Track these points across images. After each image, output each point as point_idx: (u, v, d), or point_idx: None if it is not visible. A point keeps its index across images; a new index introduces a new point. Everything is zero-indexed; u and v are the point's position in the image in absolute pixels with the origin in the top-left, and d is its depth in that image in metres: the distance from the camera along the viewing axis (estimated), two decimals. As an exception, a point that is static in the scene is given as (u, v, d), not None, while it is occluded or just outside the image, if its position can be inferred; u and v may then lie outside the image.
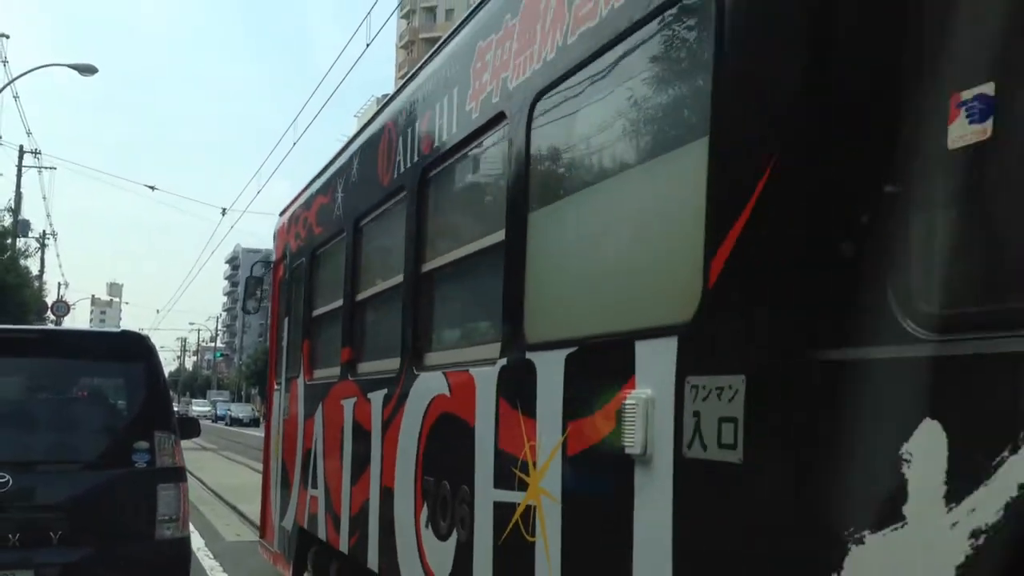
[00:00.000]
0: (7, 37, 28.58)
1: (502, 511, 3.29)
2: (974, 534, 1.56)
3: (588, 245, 2.98)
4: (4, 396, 6.03)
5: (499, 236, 3.44)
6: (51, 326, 46.59)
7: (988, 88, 1.61)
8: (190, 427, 6.78)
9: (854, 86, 1.88)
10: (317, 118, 28.81)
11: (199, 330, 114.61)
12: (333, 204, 6.13)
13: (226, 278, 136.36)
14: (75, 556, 5.37)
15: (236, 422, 61.57)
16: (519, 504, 3.15)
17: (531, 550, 3.05)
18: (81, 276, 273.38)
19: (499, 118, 3.50)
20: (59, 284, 59.57)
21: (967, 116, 1.63)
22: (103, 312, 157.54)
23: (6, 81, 28.09)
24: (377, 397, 4.78)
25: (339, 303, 5.76)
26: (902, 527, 1.70)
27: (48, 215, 62.24)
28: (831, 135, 1.91)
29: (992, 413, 1.54)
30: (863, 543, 1.77)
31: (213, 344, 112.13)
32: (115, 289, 70.49)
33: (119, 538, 5.51)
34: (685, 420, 2.29)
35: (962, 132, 1.64)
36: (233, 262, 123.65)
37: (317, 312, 6.47)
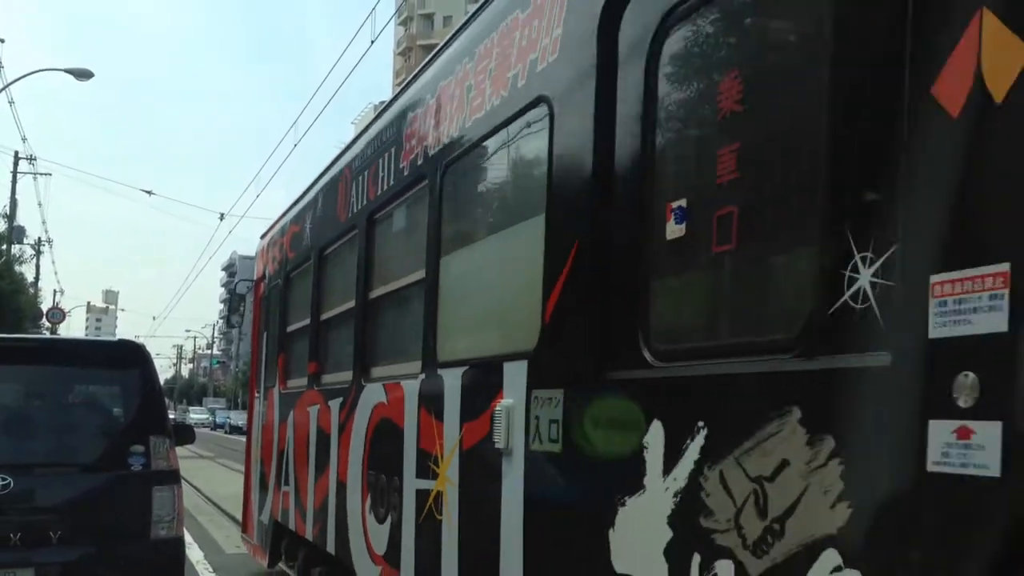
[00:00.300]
0: (2, 41, 28.62)
1: (421, 497, 4.14)
2: (676, 494, 2.41)
3: (475, 288, 3.84)
4: (5, 402, 6.28)
5: (421, 274, 4.30)
6: (50, 335, 47.06)
7: (683, 202, 2.47)
8: (185, 434, 6.95)
9: (620, 196, 2.75)
10: (316, 124, 29.42)
11: (195, 337, 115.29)
12: (303, 233, 6.99)
13: (222, 285, 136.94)
14: (74, 555, 5.57)
15: (236, 430, 62.02)
16: (431, 490, 4.00)
17: (439, 527, 3.90)
18: (77, 283, 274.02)
19: (421, 178, 4.37)
20: (55, 291, 59.27)
21: (675, 219, 2.49)
22: (99, 319, 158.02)
23: (1, 86, 27.77)
24: (335, 404, 5.63)
25: (307, 321, 6.61)
26: (643, 493, 2.55)
27: (44, 222, 62.40)
28: (609, 230, 2.77)
29: (687, 413, 2.38)
30: (624, 504, 2.62)
31: (209, 351, 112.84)
32: (111, 296, 71.17)
33: (116, 538, 5.71)
34: (530, 422, 3.14)
35: (672, 229, 2.50)
36: (229, 269, 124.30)
37: (290, 328, 7.34)
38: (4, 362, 6.19)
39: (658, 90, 2.63)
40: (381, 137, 5.09)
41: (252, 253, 9.05)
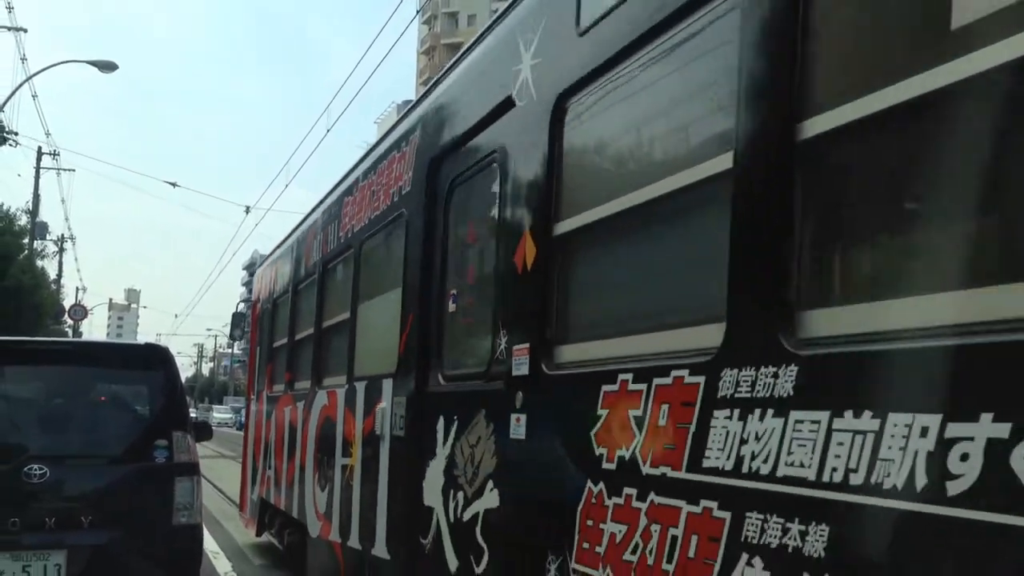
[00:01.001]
0: (24, 31, 28.67)
1: (343, 470, 6.15)
2: (446, 456, 4.39)
3: (372, 327, 5.87)
4: (42, 399, 6.84)
5: (347, 315, 6.33)
6: (72, 333, 48.83)
7: (454, 291, 4.48)
8: (204, 431, 7.50)
9: (433, 284, 4.75)
10: (340, 124, 31.25)
11: (216, 336, 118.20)
12: (285, 269, 9.07)
13: (243, 284, 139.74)
14: (103, 538, 6.10)
15: (261, 430, 63.71)
16: (348, 465, 6.01)
17: (351, 489, 5.91)
18: (99, 281, 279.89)
19: (349, 247, 6.40)
20: (77, 289, 60.70)
21: (451, 301, 4.49)
22: (120, 317, 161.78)
23: (24, 78, 28.79)
24: (300, 405, 7.68)
25: (286, 340, 8.68)
26: (435, 457, 4.53)
27: (66, 218, 63.04)
28: (428, 304, 4.77)
29: (452, 412, 4.35)
30: (428, 464, 4.61)
31: (230, 350, 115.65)
32: (133, 295, 73.80)
33: (141, 523, 6.25)
34: (394, 417, 5.15)
35: (450, 306, 4.50)
36: (251, 268, 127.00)
37: (275, 344, 9.41)
38: (40, 363, 6.87)
39: (449, 220, 4.63)
40: (331, 211, 7.15)
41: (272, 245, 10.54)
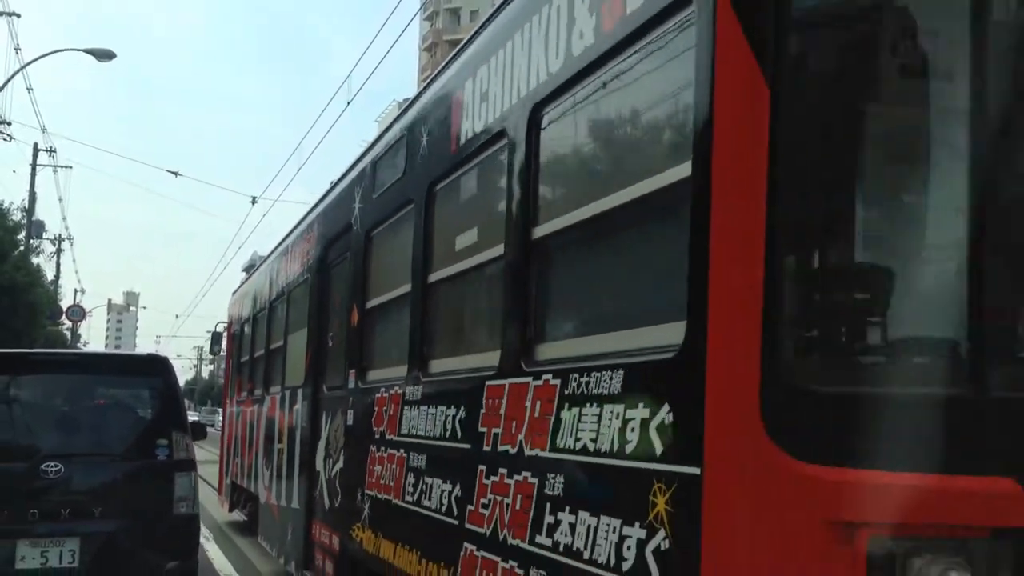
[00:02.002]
0: (18, 16, 28.79)
1: (277, 453, 9.03)
2: (326, 436, 7.26)
3: (296, 349, 8.75)
4: (56, 404, 7.86)
5: (282, 342, 9.23)
6: (91, 350, 51.03)
7: (331, 332, 7.37)
8: (198, 432, 8.39)
9: (328, 321, 7.65)
10: (340, 124, 33.36)
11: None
12: (247, 302, 11.99)
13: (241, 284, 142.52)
14: (111, 527, 7.07)
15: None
16: (280, 448, 8.88)
17: (282, 466, 8.78)
18: (98, 283, 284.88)
19: (283, 293, 9.31)
20: (75, 291, 62.51)
21: (330, 340, 7.38)
22: (119, 319, 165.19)
23: (18, 67, 29.52)
24: (256, 407, 10.58)
25: (247, 357, 11.59)
26: (322, 435, 7.40)
27: (64, 218, 63.72)
28: (318, 343, 7.66)
29: (331, 407, 7.21)
30: (319, 440, 7.49)
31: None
32: (132, 298, 76.68)
33: (145, 513, 7.20)
34: (303, 414, 8.03)
35: (330, 345, 7.39)
36: (249, 270, 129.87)
37: (242, 359, 12.32)
38: (53, 372, 8.01)
39: (330, 288, 7.50)
40: (276, 264, 10.06)
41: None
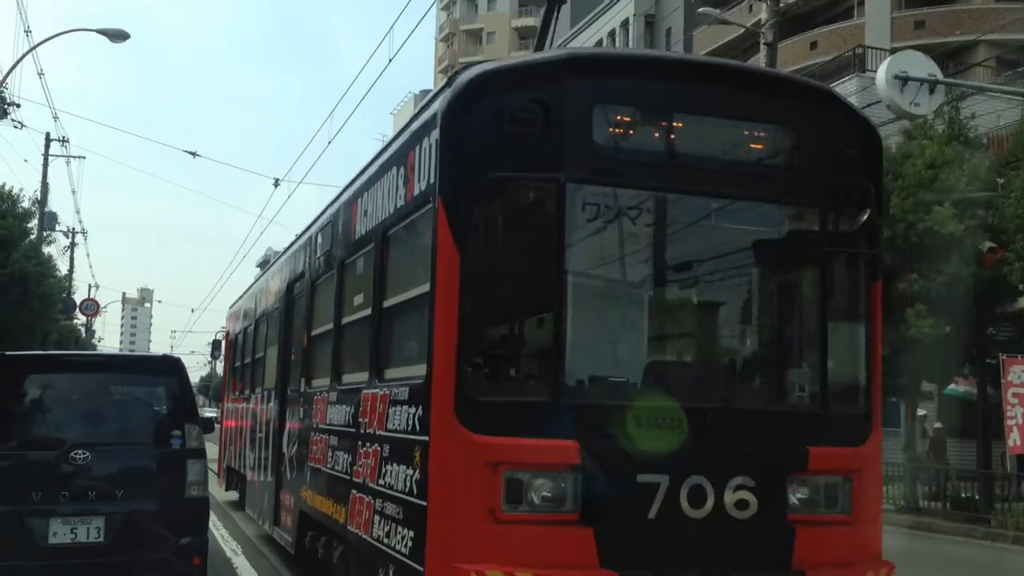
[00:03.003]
0: None
1: (258, 440, 12.06)
2: (266, 422, 10.27)
3: (269, 362, 11.78)
4: (83, 399, 8.84)
5: (262, 352, 12.27)
6: (112, 352, 51.89)
7: (293, 349, 10.41)
8: (207, 425, 9.46)
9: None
10: (357, 117, 35.31)
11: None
12: (240, 316, 15.07)
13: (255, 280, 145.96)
14: (132, 507, 8.07)
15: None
16: (260, 436, 11.91)
17: (260, 450, 11.81)
18: (112, 278, 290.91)
19: (264, 314, 12.36)
20: (89, 286, 63.37)
21: (292, 354, 10.40)
22: (134, 314, 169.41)
23: (27, 49, 30.16)
24: (245, 404, 13.64)
25: (239, 362, 14.65)
26: (265, 428, 10.40)
27: (77, 211, 64.36)
28: (285, 357, 10.69)
29: (294, 409, 10.20)
30: (264, 430, 10.51)
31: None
32: (146, 294, 79.70)
33: (161, 495, 8.21)
34: (275, 409, 11.05)
35: (293, 358, 10.41)
36: (264, 265, 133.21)
37: (236, 364, 15.39)
38: (79, 371, 9.22)
39: (292, 317, 10.49)
40: (260, 289, 13.12)
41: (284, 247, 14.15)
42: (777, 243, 6.21)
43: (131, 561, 8.11)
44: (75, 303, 51.49)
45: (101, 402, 8.92)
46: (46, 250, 33.58)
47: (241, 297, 16.34)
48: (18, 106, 32.91)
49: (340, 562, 7.74)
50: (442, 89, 5.88)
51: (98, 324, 76.20)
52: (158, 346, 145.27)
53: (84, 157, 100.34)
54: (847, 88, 27.26)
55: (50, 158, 43.42)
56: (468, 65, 6.01)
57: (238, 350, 15.82)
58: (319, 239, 9.26)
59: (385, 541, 6.20)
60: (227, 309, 18.05)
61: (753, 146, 6.00)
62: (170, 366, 9.16)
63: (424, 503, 5.54)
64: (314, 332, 9.23)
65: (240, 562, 10.99)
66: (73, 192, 76.56)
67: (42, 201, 40.70)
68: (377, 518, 6.40)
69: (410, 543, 5.76)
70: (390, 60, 15.11)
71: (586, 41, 57.55)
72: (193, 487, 8.39)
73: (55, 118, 79.95)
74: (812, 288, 6.21)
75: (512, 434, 5.40)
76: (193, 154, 30.33)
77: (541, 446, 5.40)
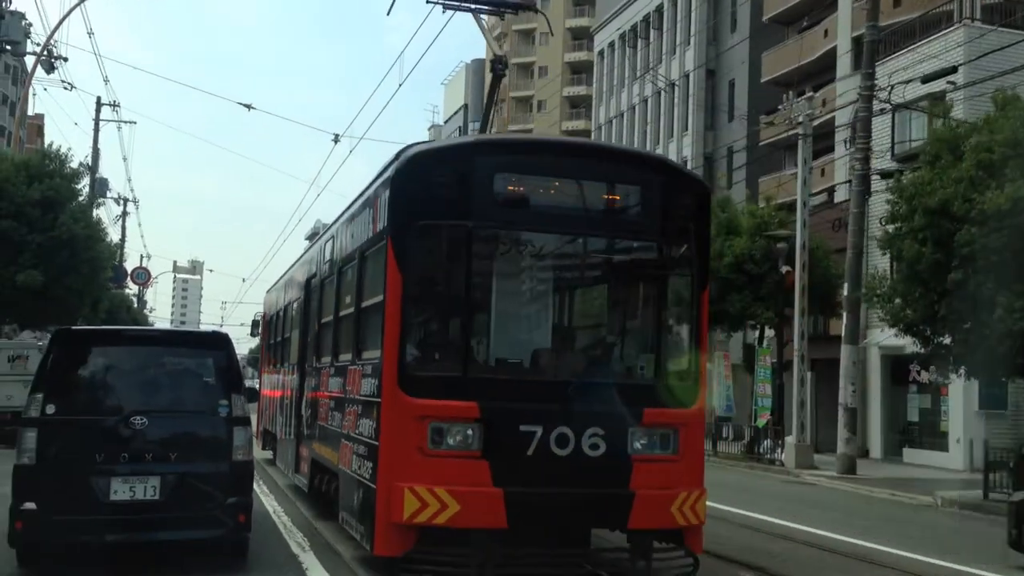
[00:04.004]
0: None
1: (286, 403, 15.26)
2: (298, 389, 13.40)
3: (294, 343, 14.95)
4: (140, 370, 9.78)
5: (289, 332, 15.45)
6: (166, 327, 50.04)
7: (309, 336, 13.54)
8: (252, 395, 10.82)
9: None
10: (408, 88, 33.59)
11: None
12: (275, 298, 18.32)
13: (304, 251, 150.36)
14: (185, 468, 9.09)
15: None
16: (288, 400, 15.07)
17: (288, 411, 14.99)
18: (163, 249, 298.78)
19: (290, 302, 15.54)
20: (141, 256, 65.49)
21: (311, 339, 13.53)
22: (185, 285, 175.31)
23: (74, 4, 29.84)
24: (277, 376, 16.86)
25: (273, 340, 17.88)
26: (290, 395, 13.53)
27: (129, 179, 66.63)
28: (304, 341, 13.81)
29: (308, 381, 13.31)
30: (302, 399, 13.63)
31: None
32: (197, 267, 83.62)
33: (210, 458, 9.22)
34: (299, 380, 14.19)
35: (310, 343, 13.54)
36: (312, 238, 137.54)
37: (271, 342, 18.63)
38: (137, 345, 10.38)
39: (311, 309, 13.57)
40: (286, 281, 16.28)
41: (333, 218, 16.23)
42: (625, 265, 9.16)
43: (183, 517, 9.04)
44: (126, 272, 52.96)
45: (156, 373, 9.85)
46: (96, 213, 34.10)
47: (274, 285, 19.72)
48: (65, 59, 34.45)
49: (334, 493, 10.84)
50: (392, 161, 8.87)
51: (149, 295, 77.82)
52: (208, 316, 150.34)
53: (135, 122, 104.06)
54: (955, 39, 28.16)
55: (101, 123, 45.47)
56: (410, 145, 9.02)
57: (271, 330, 19.17)
58: (326, 248, 12.31)
59: (358, 471, 9.25)
60: (264, 294, 21.38)
61: (609, 198, 8.91)
62: (218, 341, 10.14)
63: (377, 443, 8.55)
64: (322, 320, 12.27)
65: (269, 502, 14.12)
66: (124, 159, 78.25)
67: (93, 167, 42.81)
68: (354, 457, 9.45)
69: (370, 471, 8.80)
70: (439, 32, 17.70)
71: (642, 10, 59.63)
72: (239, 451, 9.35)
73: (105, 81, 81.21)
74: (651, 297, 9.18)
75: (434, 398, 8.38)
76: (248, 107, 30.09)
77: (453, 406, 8.36)
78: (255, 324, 22.81)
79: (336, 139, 27.00)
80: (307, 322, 13.69)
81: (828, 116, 33.46)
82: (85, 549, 9.07)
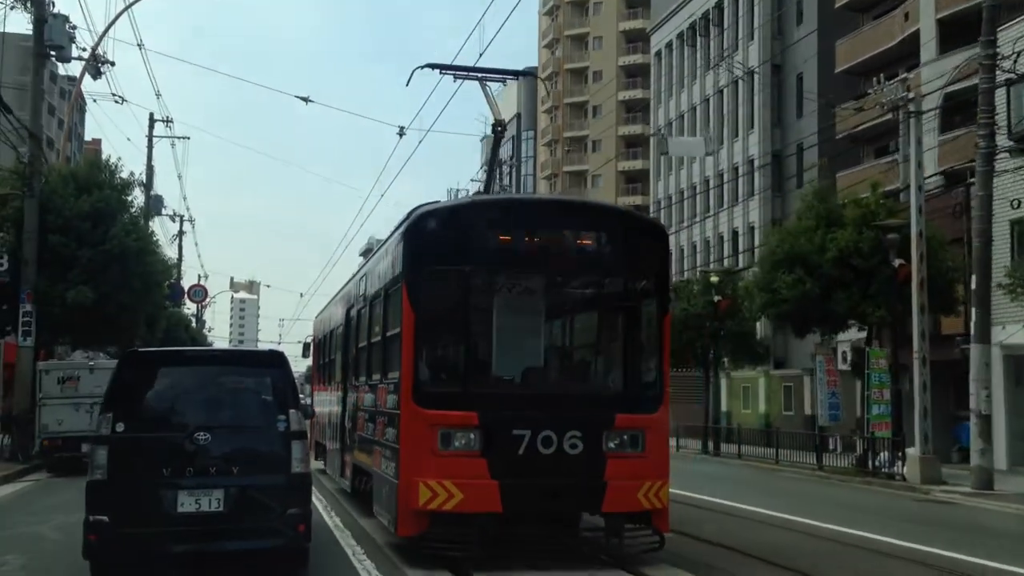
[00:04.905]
0: None
1: (332, 416, 17.76)
2: (338, 400, 15.87)
3: (338, 365, 17.49)
4: (202, 388, 10.43)
5: (336, 355, 17.98)
6: (226, 348, 49.76)
7: (351, 356, 16.05)
8: (307, 411, 11.46)
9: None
10: (460, 99, 37.79)
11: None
12: (322, 324, 20.96)
13: (359, 268, 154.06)
14: (247, 481, 9.66)
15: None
16: (335, 412, 17.57)
17: (335, 425, 17.52)
18: (220, 266, 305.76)
19: (335, 327, 18.11)
20: (199, 275, 66.01)
21: (351, 360, 16.02)
22: (243, 304, 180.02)
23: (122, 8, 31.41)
24: (329, 392, 19.42)
25: (322, 361, 20.47)
26: (339, 405, 15.99)
27: (184, 197, 66.96)
28: (346, 360, 16.34)
29: (348, 396, 15.77)
30: (345, 413, 16.11)
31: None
32: (254, 286, 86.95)
33: (270, 471, 9.82)
34: (342, 396, 16.68)
35: (351, 364, 16.05)
36: (366, 254, 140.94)
37: (319, 363, 21.25)
38: (199, 364, 11.17)
39: (350, 333, 16.06)
40: (330, 310, 18.83)
41: (385, 234, 14.99)
42: (598, 297, 11.51)
43: (245, 528, 9.61)
44: (183, 290, 53.88)
45: (217, 391, 10.45)
46: (151, 226, 33.15)
47: (320, 313, 22.64)
48: (112, 64, 33.95)
49: (368, 491, 13.22)
50: (406, 219, 11.30)
51: (207, 314, 78.71)
52: (266, 334, 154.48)
53: (189, 138, 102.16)
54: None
55: (154, 139, 46.64)
56: (421, 205, 11.59)
57: (319, 353, 21.95)
58: (361, 283, 14.82)
59: (385, 470, 11.67)
60: (313, 319, 24.00)
61: (581, 244, 11.30)
62: (275, 359, 10.73)
63: (398, 446, 10.92)
64: (359, 345, 14.73)
65: (322, 505, 16.59)
66: (179, 177, 76.93)
67: (147, 184, 43.30)
68: (383, 460, 11.86)
69: (393, 469, 11.21)
70: (494, 35, 20.40)
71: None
72: (297, 464, 9.86)
73: (157, 94, 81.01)
74: (620, 322, 11.54)
75: (443, 409, 10.77)
76: (305, 100, 29.25)
77: (458, 415, 10.75)
78: (305, 347, 25.41)
79: (401, 131, 25.65)
80: (347, 346, 16.17)
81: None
82: (152, 562, 9.75)
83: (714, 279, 37.96)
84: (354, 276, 16.14)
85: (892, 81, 27.34)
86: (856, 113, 32.16)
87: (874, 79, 29.32)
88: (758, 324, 41.73)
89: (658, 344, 11.40)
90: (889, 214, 26.78)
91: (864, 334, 28.88)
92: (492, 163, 14.14)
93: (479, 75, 14.53)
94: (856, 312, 27.33)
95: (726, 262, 50.76)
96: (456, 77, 14.59)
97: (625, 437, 10.99)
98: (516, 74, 14.94)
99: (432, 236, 10.99)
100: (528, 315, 11.39)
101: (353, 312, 15.52)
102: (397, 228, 11.83)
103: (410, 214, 11.42)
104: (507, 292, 11.35)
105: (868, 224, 26.86)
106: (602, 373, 11.90)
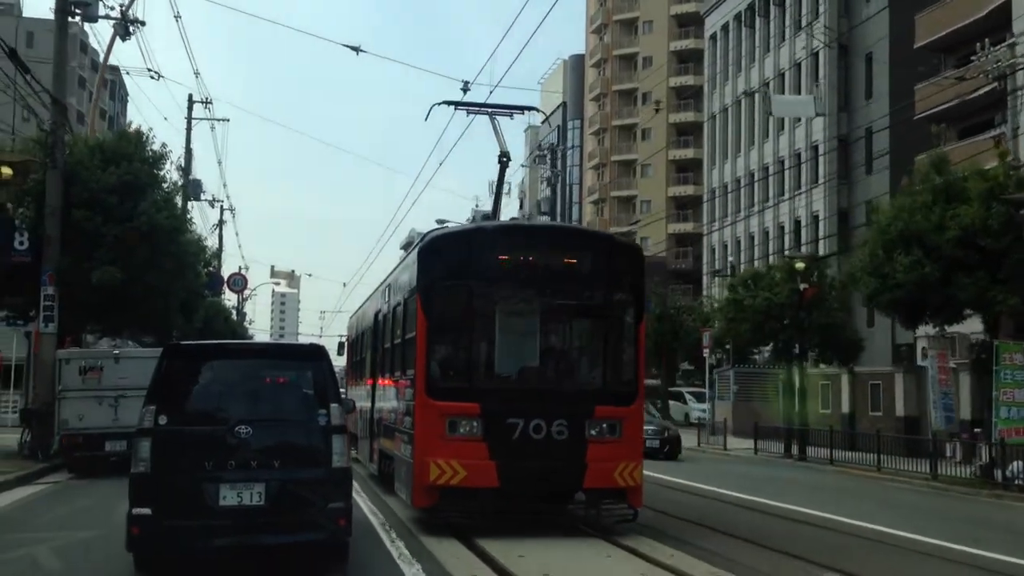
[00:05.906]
0: None
1: (363, 410, 20.35)
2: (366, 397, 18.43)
3: (368, 363, 20.13)
4: (243, 382, 10.54)
5: (368, 353, 20.62)
6: (267, 341, 48.57)
7: (378, 355, 18.63)
8: (348, 405, 11.25)
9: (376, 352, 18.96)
10: (504, 89, 38.95)
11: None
12: (355, 324, 23.68)
13: (399, 260, 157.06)
14: (288, 475, 9.86)
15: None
16: (366, 407, 20.21)
17: (366, 415, 20.20)
18: (261, 255, 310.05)
19: (366, 328, 20.80)
20: (240, 267, 65.89)
21: (379, 359, 18.58)
22: (283, 297, 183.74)
23: None
24: (357, 388, 22.13)
25: (356, 359, 23.13)
26: (369, 399, 18.55)
27: (224, 184, 64.95)
28: (375, 361, 18.93)
29: (375, 391, 18.33)
30: (373, 405, 18.67)
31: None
32: (294, 279, 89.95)
33: (311, 465, 10.02)
34: (371, 390, 19.25)
35: (378, 362, 18.61)
36: (407, 246, 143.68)
37: (355, 360, 23.93)
38: (240, 358, 11.37)
39: (379, 334, 18.62)
40: (363, 312, 21.49)
41: (427, 228, 17.59)
42: (582, 307, 14.09)
43: (286, 522, 9.74)
44: (223, 279, 53.05)
45: (259, 384, 10.62)
46: (179, 201, 31.53)
47: (354, 314, 25.52)
48: (143, 24, 32.28)
49: (391, 473, 15.80)
50: (419, 242, 13.88)
51: (249, 308, 79.14)
52: (307, 327, 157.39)
53: (228, 120, 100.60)
54: None
55: (193, 121, 46.37)
56: (433, 230, 14.18)
57: (352, 351, 24.85)
58: (386, 291, 17.51)
59: (404, 453, 14.32)
60: (347, 319, 26.66)
61: (567, 262, 13.86)
62: (316, 353, 10.92)
63: (413, 432, 13.46)
64: (384, 346, 17.29)
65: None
66: (219, 162, 78.17)
67: (186, 168, 43.47)
68: (402, 444, 14.45)
69: (409, 452, 13.82)
70: (539, 23, 22.62)
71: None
72: (337, 457, 10.02)
73: (196, 73, 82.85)
74: (600, 328, 14.08)
75: (450, 401, 13.37)
76: (356, 50, 25.90)
77: (463, 406, 13.35)
78: (340, 346, 28.08)
79: (464, 88, 22.62)
80: (376, 346, 18.75)
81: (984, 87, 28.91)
82: (194, 555, 10.01)
83: (799, 265, 35.51)
84: (381, 284, 18.74)
85: (1000, 46, 25.72)
86: (945, 88, 29.94)
87: (937, 62, 28.73)
88: (854, 314, 40.39)
89: (634, 347, 13.91)
90: (1020, 187, 24.28)
91: (974, 327, 26.71)
92: (499, 190, 16.80)
93: (488, 110, 16.91)
94: (983, 299, 24.94)
95: (787, 254, 48.29)
96: (468, 112, 17.09)
97: (604, 426, 13.44)
98: (523, 109, 17.21)
99: (441, 256, 13.62)
100: (524, 322, 13.89)
101: (380, 317, 18.17)
102: (414, 247, 14.36)
103: (424, 236, 14.14)
104: (506, 303, 13.89)
105: (996, 198, 24.29)
106: (586, 371, 14.49)
